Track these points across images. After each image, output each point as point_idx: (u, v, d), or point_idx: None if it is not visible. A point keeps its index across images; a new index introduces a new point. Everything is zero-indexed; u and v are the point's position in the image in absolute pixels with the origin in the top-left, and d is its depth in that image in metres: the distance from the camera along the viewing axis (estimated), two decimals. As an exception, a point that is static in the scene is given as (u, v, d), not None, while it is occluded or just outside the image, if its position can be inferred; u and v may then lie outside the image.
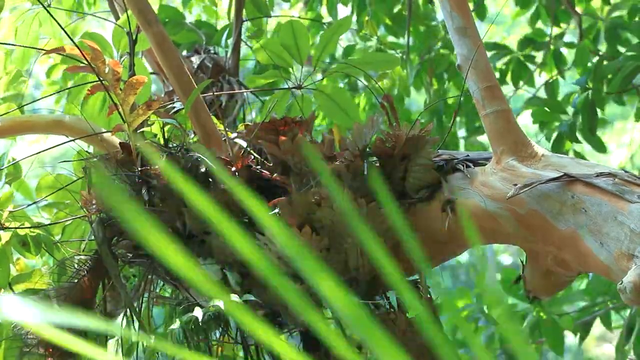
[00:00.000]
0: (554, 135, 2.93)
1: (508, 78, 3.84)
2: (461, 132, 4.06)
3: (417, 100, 4.90)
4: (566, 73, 4.10)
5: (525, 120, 3.97)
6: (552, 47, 3.85)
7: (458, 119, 3.82)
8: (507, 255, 8.50)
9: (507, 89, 3.86)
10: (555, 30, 3.94)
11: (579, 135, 2.93)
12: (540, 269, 1.78)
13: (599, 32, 3.82)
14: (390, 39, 4.00)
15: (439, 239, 1.84)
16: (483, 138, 4.56)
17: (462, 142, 3.96)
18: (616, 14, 3.76)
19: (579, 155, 3.49)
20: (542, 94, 3.88)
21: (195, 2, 3.94)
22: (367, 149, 1.89)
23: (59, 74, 3.64)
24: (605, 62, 2.82)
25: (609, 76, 2.87)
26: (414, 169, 1.86)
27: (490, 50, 3.70)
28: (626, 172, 1.60)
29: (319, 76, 2.69)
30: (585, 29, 3.79)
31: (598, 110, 2.83)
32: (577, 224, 1.59)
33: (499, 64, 3.84)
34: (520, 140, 1.75)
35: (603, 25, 3.79)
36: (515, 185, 1.67)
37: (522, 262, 1.86)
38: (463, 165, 1.85)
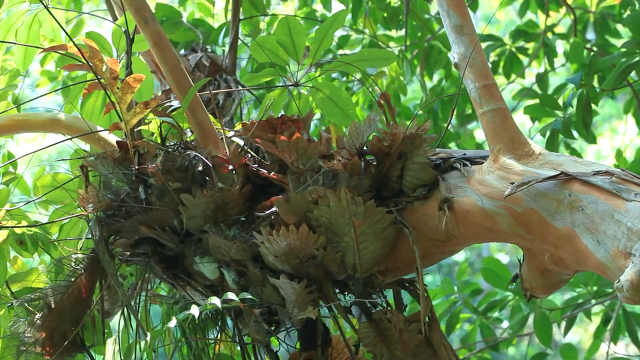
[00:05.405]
0: (548, 132, 2.92)
1: (500, 70, 3.86)
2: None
3: (416, 100, 4.90)
4: (559, 66, 4.11)
5: (521, 119, 3.97)
6: (543, 37, 3.86)
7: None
8: (503, 254, 8.50)
9: (500, 82, 3.88)
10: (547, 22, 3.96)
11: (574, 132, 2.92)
12: (537, 268, 1.79)
13: (587, 23, 3.84)
14: (383, 32, 3.99)
15: (436, 237, 1.84)
16: (475, 130, 4.57)
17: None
18: (607, 2, 3.79)
19: (573, 152, 3.50)
20: (534, 86, 3.90)
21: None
22: (365, 148, 1.89)
23: (53, 64, 3.65)
24: (598, 58, 2.82)
25: (604, 72, 2.88)
26: (411, 167, 1.86)
27: (483, 42, 3.71)
28: (623, 170, 1.60)
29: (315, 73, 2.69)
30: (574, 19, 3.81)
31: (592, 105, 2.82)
32: (574, 223, 1.59)
33: (491, 56, 3.86)
34: (517, 139, 1.76)
35: (592, 17, 3.81)
36: (512, 183, 1.67)
37: (519, 260, 1.87)
38: (460, 164, 1.85)
